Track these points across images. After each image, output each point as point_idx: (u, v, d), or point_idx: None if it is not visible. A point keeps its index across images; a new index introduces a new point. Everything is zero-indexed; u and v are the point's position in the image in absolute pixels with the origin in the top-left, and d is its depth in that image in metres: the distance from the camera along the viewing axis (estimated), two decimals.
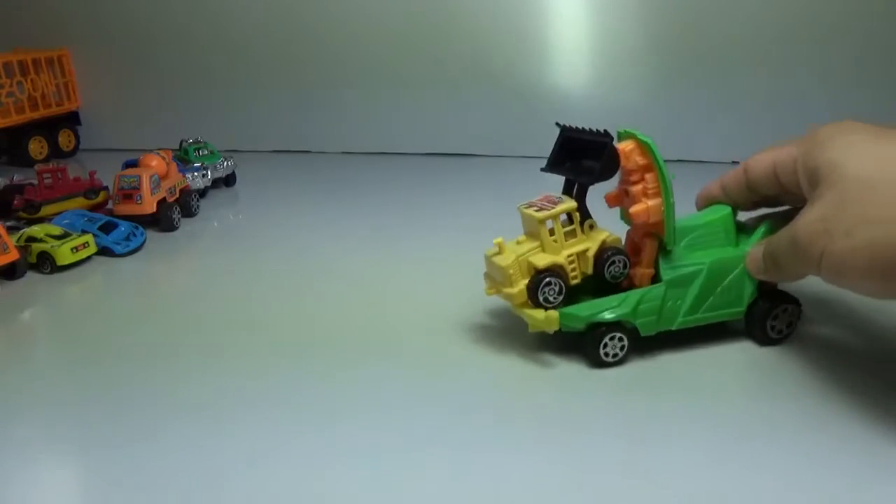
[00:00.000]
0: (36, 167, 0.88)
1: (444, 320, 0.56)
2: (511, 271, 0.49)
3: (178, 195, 0.88)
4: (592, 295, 0.50)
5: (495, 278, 0.51)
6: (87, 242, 0.74)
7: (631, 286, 0.50)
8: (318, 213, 0.91)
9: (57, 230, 0.75)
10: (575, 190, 0.50)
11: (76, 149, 1.30)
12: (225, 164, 1.01)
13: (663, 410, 0.45)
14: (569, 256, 0.49)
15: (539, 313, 0.49)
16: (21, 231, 0.75)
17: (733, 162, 0.97)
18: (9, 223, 0.80)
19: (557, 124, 0.52)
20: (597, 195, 0.50)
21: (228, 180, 1.03)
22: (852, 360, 0.50)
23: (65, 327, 0.61)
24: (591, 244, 0.49)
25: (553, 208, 0.48)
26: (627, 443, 0.42)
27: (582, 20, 1.12)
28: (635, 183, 0.48)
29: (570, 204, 0.49)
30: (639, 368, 0.49)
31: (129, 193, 0.83)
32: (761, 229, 0.51)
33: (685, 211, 0.53)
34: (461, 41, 1.16)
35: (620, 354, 0.49)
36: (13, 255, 0.69)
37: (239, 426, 0.44)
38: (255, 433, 0.44)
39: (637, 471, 0.39)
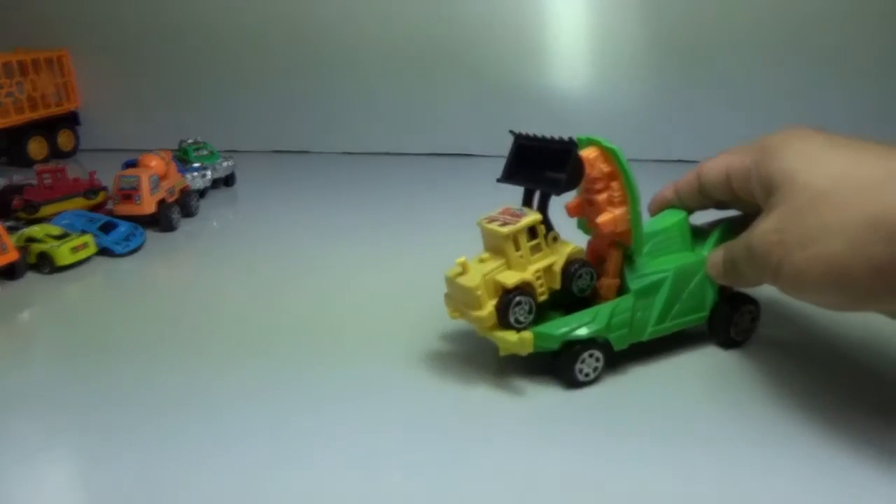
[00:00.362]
0: (35, 167, 0.88)
1: (443, 320, 0.56)
2: (478, 293, 0.45)
3: (177, 195, 0.88)
4: (552, 309, 0.48)
5: (459, 300, 0.48)
6: (86, 243, 0.74)
7: (595, 298, 0.49)
8: (317, 213, 0.91)
9: (56, 230, 0.75)
10: (537, 201, 0.47)
11: (76, 149, 1.30)
12: (224, 164, 1.01)
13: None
14: (536, 272, 0.46)
15: (511, 335, 0.45)
16: (20, 231, 0.74)
17: None
18: (8, 223, 0.80)
19: (511, 132, 0.49)
20: (555, 204, 0.47)
21: (228, 180, 1.03)
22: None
23: (64, 327, 0.61)
24: (556, 258, 0.47)
25: (517, 222, 0.46)
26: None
27: (581, 20, 1.12)
28: (600, 191, 0.46)
29: (535, 217, 0.46)
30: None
31: (129, 193, 0.83)
32: (716, 233, 0.51)
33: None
34: (461, 42, 1.16)
35: (598, 370, 0.47)
36: (13, 256, 0.69)
37: (239, 425, 0.44)
38: (255, 432, 0.44)
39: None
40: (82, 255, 0.73)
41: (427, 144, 1.20)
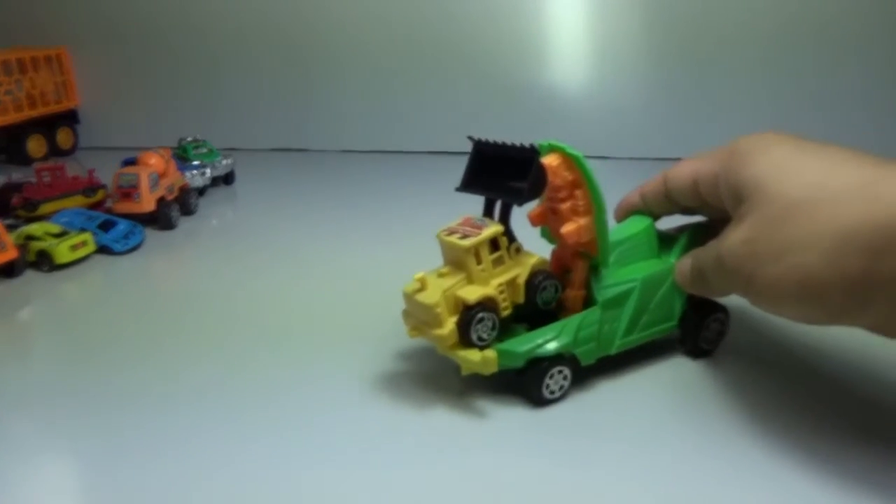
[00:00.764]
0: (34, 165, 0.88)
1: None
2: (438, 310, 0.42)
3: (176, 193, 0.88)
4: (516, 321, 0.46)
5: (419, 318, 0.45)
6: (85, 241, 0.74)
7: (560, 310, 0.47)
8: (316, 211, 0.91)
9: (56, 228, 0.75)
10: (498, 211, 0.45)
11: (75, 147, 1.30)
12: (224, 162, 1.01)
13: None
14: (499, 286, 0.44)
15: (473, 354, 0.43)
16: (20, 229, 0.75)
17: None
18: (7, 221, 0.80)
19: (470, 138, 0.46)
20: (517, 212, 0.45)
21: (227, 178, 1.03)
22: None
23: (63, 325, 0.61)
24: (520, 270, 0.44)
25: (479, 234, 0.43)
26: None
27: (582, 20, 1.12)
28: (563, 200, 0.43)
29: (497, 228, 0.44)
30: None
31: (128, 192, 0.83)
32: (682, 240, 0.50)
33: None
34: (461, 39, 1.16)
35: (565, 387, 0.45)
36: (12, 254, 0.69)
37: (239, 423, 0.44)
38: (255, 430, 0.44)
39: None
40: (81, 253, 0.73)
41: (427, 142, 1.20)
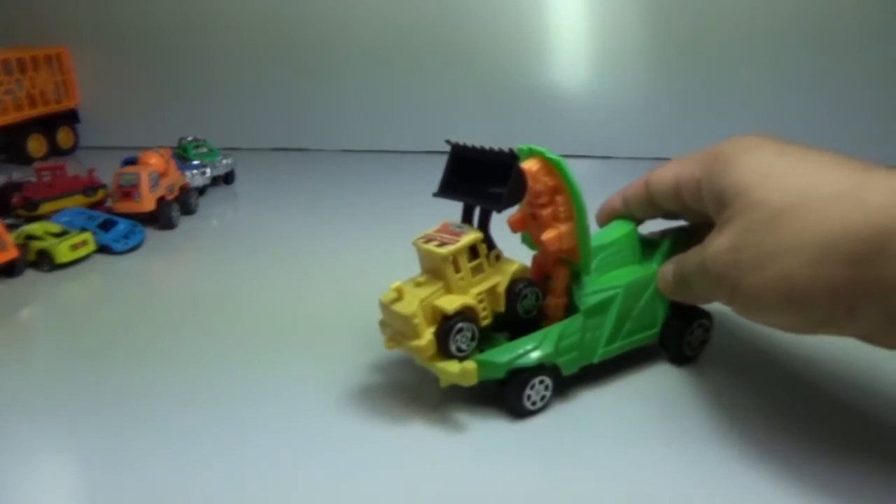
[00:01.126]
0: (35, 165, 0.88)
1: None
2: (416, 320, 0.41)
3: (177, 193, 0.88)
4: (496, 330, 0.45)
5: (396, 328, 0.44)
6: (85, 240, 0.74)
7: (542, 318, 0.45)
8: (317, 210, 0.91)
9: (56, 228, 0.75)
10: (478, 217, 0.44)
11: (75, 146, 1.30)
12: (224, 161, 1.01)
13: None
14: (478, 295, 0.43)
15: (452, 366, 0.42)
16: (20, 228, 0.75)
17: None
18: (8, 221, 0.80)
19: (447, 142, 0.45)
20: (497, 217, 0.44)
21: (227, 178, 1.03)
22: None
23: (63, 325, 0.61)
24: (500, 278, 0.43)
25: (457, 241, 0.42)
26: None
27: (582, 19, 1.12)
28: (544, 206, 0.42)
29: (476, 235, 0.42)
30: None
31: (128, 191, 0.83)
32: (665, 245, 0.49)
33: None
34: (461, 40, 1.16)
35: (547, 397, 0.44)
36: (12, 253, 0.69)
37: (239, 423, 0.44)
38: (256, 429, 0.44)
39: None
40: (82, 252, 0.73)
41: (427, 142, 1.20)
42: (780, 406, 0.45)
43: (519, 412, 0.43)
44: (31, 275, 0.71)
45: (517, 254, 0.46)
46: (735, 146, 0.41)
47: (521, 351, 0.43)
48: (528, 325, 0.45)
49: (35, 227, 0.74)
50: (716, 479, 0.38)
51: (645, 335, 0.48)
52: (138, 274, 0.73)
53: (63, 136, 1.28)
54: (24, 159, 1.19)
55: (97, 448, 0.43)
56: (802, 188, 0.36)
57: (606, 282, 0.46)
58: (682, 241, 0.48)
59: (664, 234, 0.51)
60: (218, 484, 0.39)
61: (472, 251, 0.43)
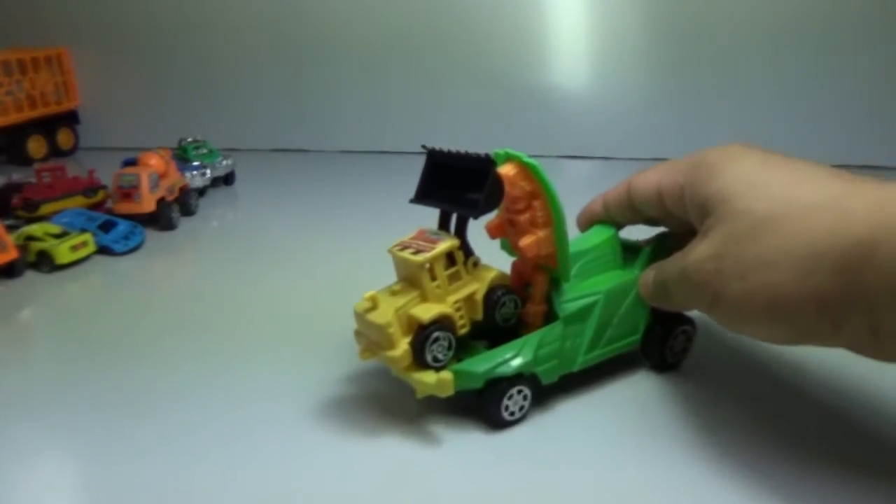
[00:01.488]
0: (35, 166, 0.88)
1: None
2: (391, 330, 0.40)
3: (177, 194, 0.88)
4: (474, 338, 0.44)
5: (370, 338, 0.42)
6: (86, 241, 0.74)
7: (521, 325, 0.44)
8: (316, 211, 0.91)
9: (56, 229, 0.75)
10: (454, 224, 0.43)
11: (75, 147, 1.30)
12: (224, 162, 1.01)
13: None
14: (455, 303, 0.42)
15: (429, 376, 0.40)
16: (20, 229, 0.75)
17: None
18: (8, 222, 0.80)
19: (424, 147, 0.45)
20: (475, 225, 0.43)
21: (227, 179, 1.03)
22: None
23: (64, 326, 0.61)
24: (478, 285, 0.42)
25: (433, 249, 0.41)
26: None
27: (582, 19, 1.12)
28: (521, 211, 0.41)
29: (452, 242, 0.41)
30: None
31: (128, 192, 0.83)
32: (647, 250, 0.48)
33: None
34: (461, 40, 1.16)
35: (525, 407, 0.43)
36: (12, 254, 0.69)
37: (239, 422, 0.44)
38: (256, 429, 0.44)
39: None
40: (82, 253, 0.73)
41: (426, 143, 1.20)
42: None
43: (497, 423, 0.42)
44: (31, 276, 0.71)
45: (497, 260, 0.45)
46: (719, 154, 0.40)
47: (499, 360, 0.42)
48: (507, 333, 0.44)
49: (35, 228, 0.74)
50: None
51: (626, 342, 0.47)
52: (138, 275, 0.73)
53: (63, 137, 1.28)
54: (25, 160, 1.19)
55: (97, 448, 0.43)
56: (787, 197, 0.35)
57: (587, 288, 0.45)
58: (665, 246, 0.47)
59: (649, 242, 0.50)
60: (223, 484, 0.39)
61: (450, 258, 0.42)
